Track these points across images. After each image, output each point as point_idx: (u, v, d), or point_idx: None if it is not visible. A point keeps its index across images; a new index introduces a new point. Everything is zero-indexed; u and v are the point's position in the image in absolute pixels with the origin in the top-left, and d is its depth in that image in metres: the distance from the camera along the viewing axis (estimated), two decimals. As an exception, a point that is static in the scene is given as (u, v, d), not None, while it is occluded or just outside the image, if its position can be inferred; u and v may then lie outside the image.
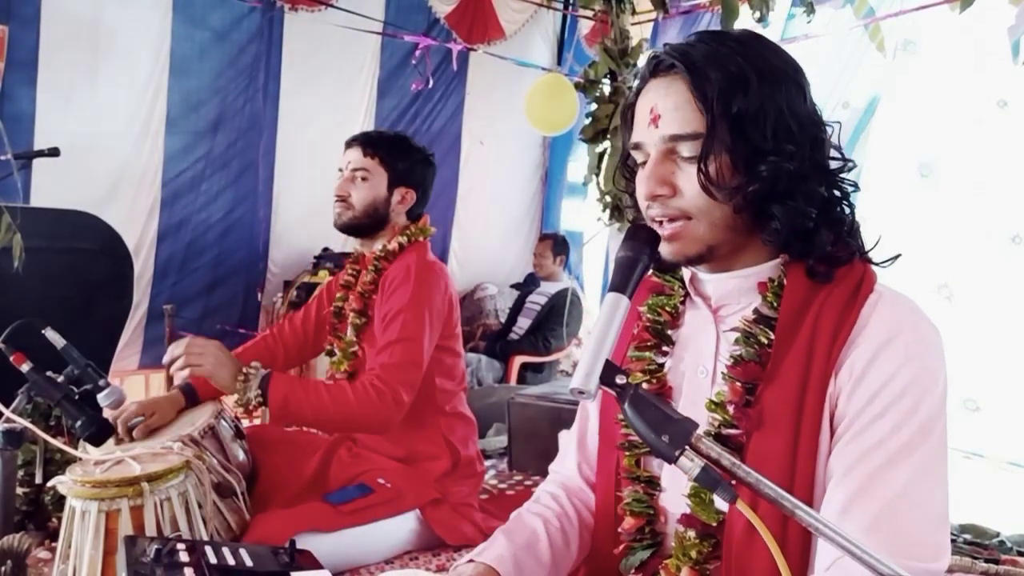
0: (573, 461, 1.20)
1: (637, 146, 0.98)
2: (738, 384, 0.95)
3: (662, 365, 1.05)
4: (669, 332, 1.06)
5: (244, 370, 1.69)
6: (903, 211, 3.62)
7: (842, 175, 0.96)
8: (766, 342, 0.94)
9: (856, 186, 0.97)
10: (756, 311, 0.96)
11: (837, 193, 0.96)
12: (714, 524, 0.94)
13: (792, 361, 0.92)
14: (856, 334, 0.90)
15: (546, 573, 1.06)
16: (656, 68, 0.97)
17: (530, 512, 1.13)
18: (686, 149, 0.93)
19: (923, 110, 3.56)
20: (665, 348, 1.06)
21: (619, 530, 1.04)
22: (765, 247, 0.97)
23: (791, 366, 0.91)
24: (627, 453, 1.05)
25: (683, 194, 0.94)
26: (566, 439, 1.25)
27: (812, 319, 0.92)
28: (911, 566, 0.80)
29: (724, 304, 1.01)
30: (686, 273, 1.05)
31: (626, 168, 1.06)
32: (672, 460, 0.73)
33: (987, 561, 1.88)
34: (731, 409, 0.94)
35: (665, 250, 0.95)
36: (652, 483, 1.03)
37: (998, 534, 2.10)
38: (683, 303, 1.07)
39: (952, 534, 2.08)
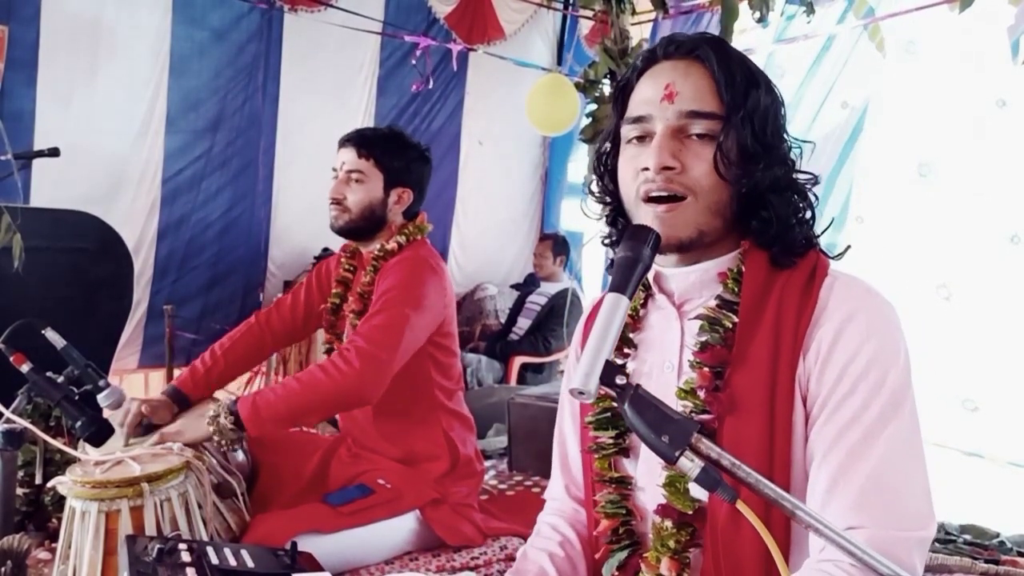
0: (560, 485, 1.20)
1: (641, 119, 0.98)
2: (706, 369, 0.96)
3: (623, 366, 1.05)
4: (631, 335, 1.08)
5: (210, 407, 1.66)
6: (902, 211, 3.62)
7: (807, 184, 1.02)
8: (730, 326, 0.96)
9: (816, 196, 1.03)
10: (719, 297, 0.99)
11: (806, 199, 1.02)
12: (690, 512, 0.95)
13: (759, 343, 0.94)
14: (818, 314, 0.93)
15: None
16: (675, 50, 0.99)
17: (534, 548, 1.14)
18: (698, 127, 0.95)
19: (922, 110, 3.56)
20: (627, 351, 1.07)
21: (594, 533, 1.05)
22: (734, 240, 1.01)
23: (759, 348, 0.93)
24: (597, 456, 1.06)
25: (690, 171, 0.96)
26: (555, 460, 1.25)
27: (775, 301, 0.95)
28: (901, 536, 0.83)
29: (687, 299, 1.03)
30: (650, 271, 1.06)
31: (601, 154, 1.08)
32: (672, 460, 0.74)
33: (987, 561, 1.88)
34: (702, 394, 0.96)
35: (660, 232, 0.95)
36: (625, 483, 1.04)
37: (998, 534, 2.10)
38: (644, 305, 1.09)
39: (952, 534, 2.08)
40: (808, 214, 1.01)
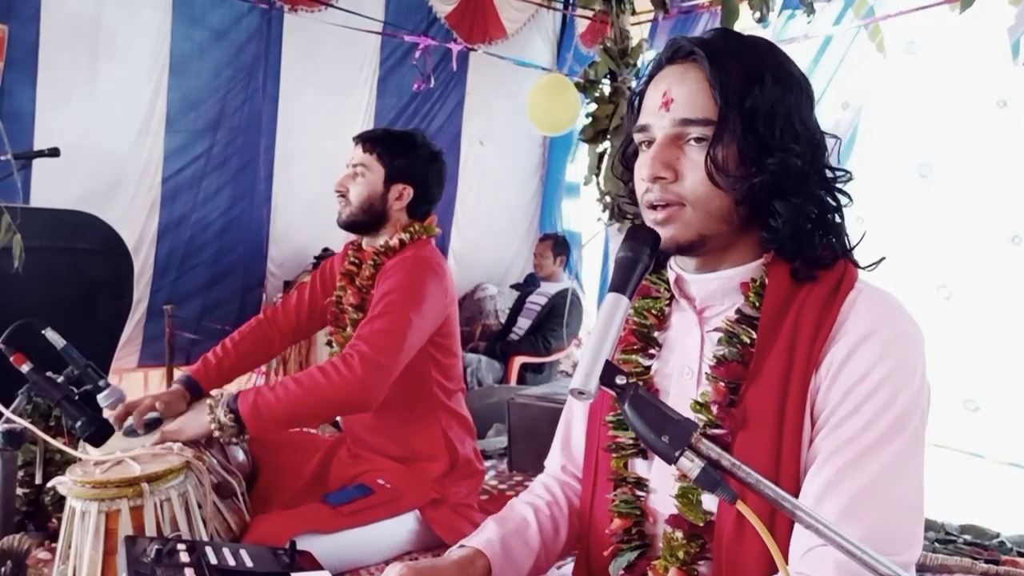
0: (557, 463, 1.22)
1: (643, 128, 0.98)
2: (721, 384, 0.96)
3: (648, 367, 1.06)
4: (655, 335, 1.07)
5: (208, 403, 1.67)
6: (902, 211, 3.62)
7: (839, 185, 0.98)
8: (748, 341, 0.95)
9: (850, 198, 0.99)
10: (738, 311, 0.98)
11: (832, 201, 0.98)
12: (701, 524, 0.95)
13: (774, 360, 0.93)
14: (836, 331, 0.91)
15: (534, 557, 1.09)
16: (674, 55, 0.98)
17: (522, 501, 1.17)
18: (695, 135, 0.94)
19: (922, 110, 3.56)
20: (651, 351, 1.07)
21: (606, 531, 1.05)
22: (752, 247, 0.99)
23: (773, 365, 0.93)
24: (614, 455, 1.06)
25: (684, 180, 0.95)
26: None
27: (793, 317, 0.93)
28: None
29: (708, 305, 1.02)
30: (671, 275, 1.06)
31: (624, 158, 1.08)
32: (672, 461, 0.74)
33: (987, 562, 1.88)
34: (715, 409, 0.95)
35: (660, 234, 0.95)
36: (640, 485, 1.04)
37: (998, 535, 2.10)
38: (669, 306, 1.08)
39: (952, 534, 2.08)
40: (836, 219, 0.97)
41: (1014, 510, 2.57)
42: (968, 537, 2.07)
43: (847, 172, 0.99)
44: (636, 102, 1.03)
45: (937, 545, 1.99)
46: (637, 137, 1.00)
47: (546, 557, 1.11)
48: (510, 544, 1.06)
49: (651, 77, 1.01)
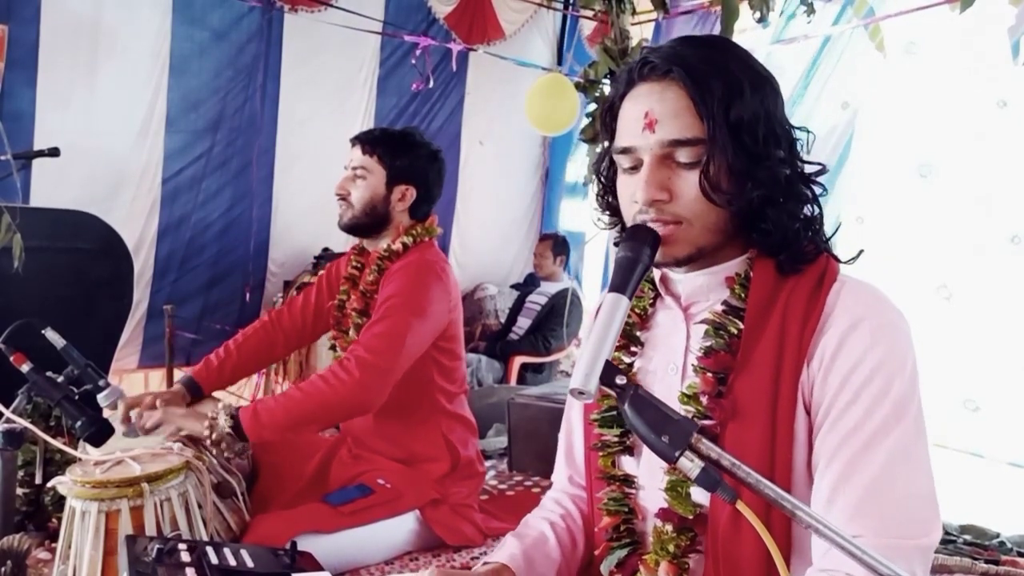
0: (563, 474, 1.22)
1: (627, 150, 0.97)
2: (709, 375, 0.96)
3: (631, 364, 1.07)
4: (638, 333, 1.08)
5: (210, 413, 1.67)
6: (902, 211, 3.62)
7: (813, 176, 0.99)
8: (735, 332, 0.96)
9: (824, 188, 1.00)
10: (725, 303, 0.99)
11: (809, 193, 0.99)
12: (691, 517, 0.96)
13: (763, 350, 0.93)
14: (824, 321, 0.92)
15: (556, 569, 1.09)
16: (649, 72, 0.96)
17: (537, 516, 1.17)
18: (684, 155, 0.94)
19: (922, 110, 3.56)
20: (634, 348, 1.08)
21: (595, 529, 1.06)
22: (738, 245, 1.00)
23: (763, 354, 0.93)
24: (601, 453, 1.06)
25: (680, 199, 0.95)
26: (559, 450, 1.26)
27: (781, 308, 0.94)
28: (900, 544, 0.83)
29: (694, 301, 1.03)
30: (656, 273, 1.07)
31: (601, 171, 1.07)
32: (672, 461, 0.74)
33: (987, 562, 1.88)
34: (704, 400, 0.96)
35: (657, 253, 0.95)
36: (628, 482, 1.05)
37: (998, 535, 2.10)
38: (653, 305, 1.09)
39: (952, 534, 2.08)
40: (815, 212, 0.99)
41: (1014, 510, 2.56)
42: (968, 537, 2.07)
43: (822, 165, 1.00)
44: (608, 119, 1.02)
45: (937, 545, 1.99)
46: (620, 159, 0.99)
47: (567, 569, 1.11)
48: (533, 557, 1.07)
49: (624, 93, 0.99)
